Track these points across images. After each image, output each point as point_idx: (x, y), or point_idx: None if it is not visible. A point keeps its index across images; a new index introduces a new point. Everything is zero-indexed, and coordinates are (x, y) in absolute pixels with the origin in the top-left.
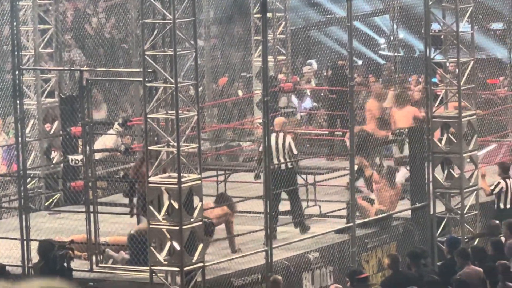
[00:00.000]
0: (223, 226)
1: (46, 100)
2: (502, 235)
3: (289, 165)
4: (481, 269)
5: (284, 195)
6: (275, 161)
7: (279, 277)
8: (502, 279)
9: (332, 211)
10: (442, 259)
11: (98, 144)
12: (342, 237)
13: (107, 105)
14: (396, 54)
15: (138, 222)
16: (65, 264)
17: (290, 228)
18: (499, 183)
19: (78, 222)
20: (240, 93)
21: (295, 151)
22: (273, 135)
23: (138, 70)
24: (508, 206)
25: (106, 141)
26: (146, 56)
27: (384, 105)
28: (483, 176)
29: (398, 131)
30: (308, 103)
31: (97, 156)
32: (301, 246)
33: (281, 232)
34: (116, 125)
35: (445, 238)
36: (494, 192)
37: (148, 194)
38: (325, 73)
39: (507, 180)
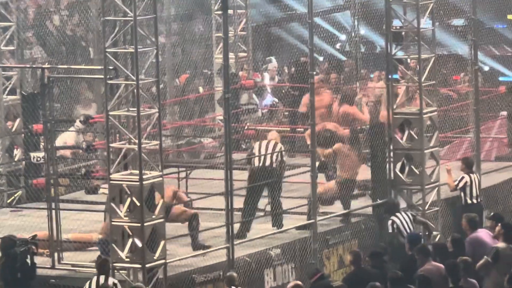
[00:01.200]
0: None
1: (8, 97)
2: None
3: (274, 165)
4: (442, 266)
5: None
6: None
7: (234, 274)
8: (464, 275)
9: (294, 208)
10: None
11: (58, 142)
12: (303, 233)
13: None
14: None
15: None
16: (28, 260)
17: (252, 225)
18: (463, 177)
19: (40, 220)
20: (201, 89)
21: (284, 159)
22: (264, 142)
23: (99, 67)
24: (474, 201)
25: (66, 138)
26: (107, 54)
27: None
28: (449, 171)
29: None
30: (268, 99)
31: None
32: (262, 242)
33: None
34: (77, 122)
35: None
36: (458, 187)
37: (110, 191)
38: (286, 70)
39: (471, 175)
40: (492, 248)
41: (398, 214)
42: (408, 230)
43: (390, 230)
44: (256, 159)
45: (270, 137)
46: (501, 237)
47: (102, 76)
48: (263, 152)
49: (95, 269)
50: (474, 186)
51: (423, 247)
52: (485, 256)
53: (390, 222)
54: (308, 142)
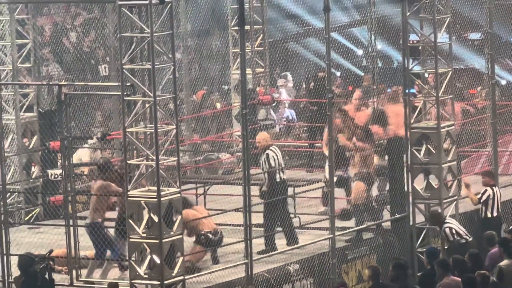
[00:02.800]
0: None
1: (25, 114)
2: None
3: (284, 177)
4: (458, 279)
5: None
6: (278, 177)
7: None
8: None
9: (312, 222)
10: (422, 270)
11: (74, 159)
12: (322, 248)
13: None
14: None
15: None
16: (47, 277)
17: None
18: (486, 190)
19: (58, 237)
20: (218, 105)
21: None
22: (271, 152)
23: (116, 84)
24: (495, 214)
25: (81, 155)
26: (124, 70)
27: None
28: (468, 186)
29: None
30: (289, 112)
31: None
32: (281, 258)
33: (261, 244)
34: (94, 139)
35: (424, 249)
36: (481, 201)
37: (128, 207)
38: (304, 85)
39: (494, 188)
40: (496, 267)
41: (447, 220)
42: (463, 231)
43: (451, 238)
44: (276, 173)
45: (268, 142)
46: (505, 254)
47: (120, 93)
48: (277, 163)
49: None
50: (496, 199)
51: (443, 261)
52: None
53: (447, 230)
54: (325, 151)
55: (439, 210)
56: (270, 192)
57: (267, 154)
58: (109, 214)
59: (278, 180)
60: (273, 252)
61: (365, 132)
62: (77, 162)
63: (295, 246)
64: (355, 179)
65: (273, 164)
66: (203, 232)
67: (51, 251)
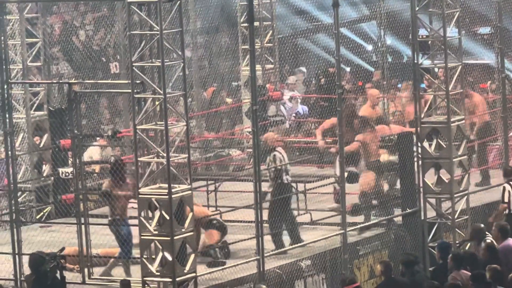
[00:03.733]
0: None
1: (35, 113)
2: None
3: (289, 179)
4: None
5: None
6: (285, 178)
7: (264, 286)
8: (494, 284)
9: (323, 218)
10: (434, 264)
11: (84, 157)
12: (333, 244)
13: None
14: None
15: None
16: (58, 275)
17: (285, 237)
18: (504, 188)
19: (70, 235)
20: (229, 100)
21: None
22: (278, 154)
23: (126, 81)
24: None
25: (92, 153)
26: (134, 68)
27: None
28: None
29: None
30: (301, 108)
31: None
32: (293, 254)
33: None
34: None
35: (436, 244)
36: (506, 200)
37: (139, 205)
38: (313, 81)
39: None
40: None
41: (488, 235)
42: None
43: None
44: (283, 174)
45: (274, 142)
46: None
47: (130, 91)
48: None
49: None
50: None
51: (456, 254)
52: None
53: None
54: (318, 137)
55: (482, 226)
56: (276, 192)
57: (274, 155)
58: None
59: (285, 181)
60: (284, 248)
61: (362, 122)
62: (88, 160)
63: (307, 242)
64: (364, 169)
65: (279, 165)
66: (212, 217)
67: (62, 249)
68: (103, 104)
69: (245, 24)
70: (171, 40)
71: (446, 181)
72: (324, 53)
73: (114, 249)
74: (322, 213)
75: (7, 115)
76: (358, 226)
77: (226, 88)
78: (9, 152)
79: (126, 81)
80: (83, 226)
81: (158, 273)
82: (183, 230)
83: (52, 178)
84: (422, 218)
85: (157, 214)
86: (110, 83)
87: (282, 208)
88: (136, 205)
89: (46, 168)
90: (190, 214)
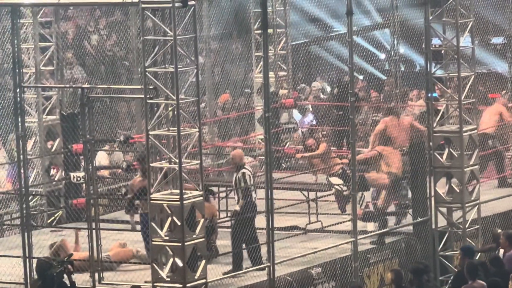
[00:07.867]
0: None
1: (48, 117)
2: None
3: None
4: (484, 283)
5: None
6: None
7: None
8: None
9: (333, 224)
10: (444, 273)
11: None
12: (344, 252)
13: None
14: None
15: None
16: (66, 281)
17: (293, 243)
18: None
19: (80, 239)
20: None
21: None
22: (247, 171)
23: (139, 87)
24: None
25: (100, 158)
26: (147, 73)
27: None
28: None
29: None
30: (310, 117)
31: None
32: (303, 261)
33: (283, 248)
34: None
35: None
36: None
37: (150, 211)
38: (328, 90)
39: None
40: None
41: None
42: None
43: None
44: (253, 193)
45: (243, 160)
46: None
47: (142, 96)
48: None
49: None
50: None
51: (470, 264)
52: None
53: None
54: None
55: (499, 230)
56: (243, 211)
57: (243, 173)
58: None
59: (253, 200)
60: (296, 255)
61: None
62: (99, 165)
63: (318, 249)
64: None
65: (249, 183)
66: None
67: (71, 255)
68: (121, 109)
69: (259, 31)
70: (185, 45)
71: (458, 190)
72: (337, 61)
73: (125, 249)
74: (332, 220)
75: (19, 119)
76: (369, 234)
77: (239, 95)
78: (21, 156)
79: (140, 87)
80: (93, 231)
81: (169, 279)
82: (194, 236)
83: (64, 182)
84: (433, 227)
85: (168, 220)
86: (123, 88)
87: (247, 227)
88: None
89: (55, 173)
90: (202, 220)
